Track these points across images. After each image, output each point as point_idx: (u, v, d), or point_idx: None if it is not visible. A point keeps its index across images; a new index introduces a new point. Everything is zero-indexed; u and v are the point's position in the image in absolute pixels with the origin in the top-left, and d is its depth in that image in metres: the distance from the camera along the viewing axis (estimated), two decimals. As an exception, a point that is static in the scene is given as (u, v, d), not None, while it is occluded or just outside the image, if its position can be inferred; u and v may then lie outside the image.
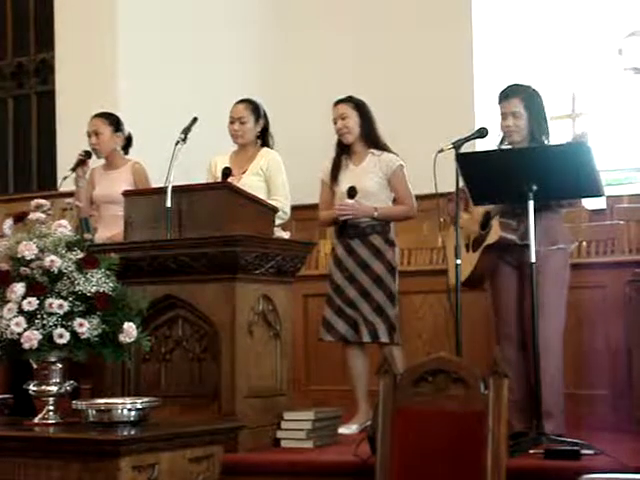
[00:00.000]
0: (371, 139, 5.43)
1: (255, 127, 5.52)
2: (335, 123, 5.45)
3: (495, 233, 4.65)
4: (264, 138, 5.57)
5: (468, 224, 4.80)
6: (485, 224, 4.74)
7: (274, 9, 9.52)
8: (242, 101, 5.58)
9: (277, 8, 9.52)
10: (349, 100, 5.47)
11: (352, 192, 5.28)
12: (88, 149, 5.86)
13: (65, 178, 5.86)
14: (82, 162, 5.82)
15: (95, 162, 6.00)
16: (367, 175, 5.36)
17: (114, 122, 5.87)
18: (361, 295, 5.27)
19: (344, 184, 5.36)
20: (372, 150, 5.41)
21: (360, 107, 5.44)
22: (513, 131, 4.72)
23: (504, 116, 4.74)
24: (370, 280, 5.27)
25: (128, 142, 5.95)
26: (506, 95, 4.76)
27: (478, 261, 4.71)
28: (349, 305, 5.29)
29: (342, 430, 5.04)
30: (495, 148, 4.89)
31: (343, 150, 5.49)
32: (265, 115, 5.56)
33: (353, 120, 5.41)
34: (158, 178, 5.12)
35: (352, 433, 5.10)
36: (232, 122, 5.52)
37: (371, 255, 5.29)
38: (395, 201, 5.42)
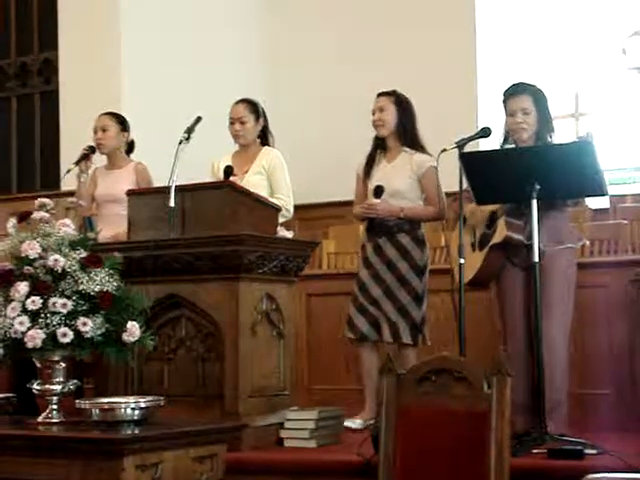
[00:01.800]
0: (407, 137, 5.35)
1: (255, 126, 5.52)
2: (373, 114, 5.40)
3: (501, 232, 4.64)
4: (264, 137, 5.57)
5: (474, 213, 4.77)
6: (491, 223, 4.74)
7: (275, 9, 9.53)
8: (241, 101, 5.58)
9: (278, 8, 9.52)
10: (391, 94, 5.41)
11: (378, 191, 5.24)
12: (92, 144, 5.87)
13: (68, 171, 5.87)
14: (86, 156, 5.83)
15: (98, 161, 6.00)
16: (398, 173, 5.32)
17: (121, 121, 5.89)
18: (385, 294, 5.24)
19: (375, 180, 5.33)
20: (405, 148, 5.36)
21: (401, 103, 5.38)
22: (522, 128, 4.68)
23: (513, 113, 4.70)
24: (395, 279, 5.24)
25: (130, 147, 5.95)
26: (515, 92, 4.73)
27: (484, 261, 4.70)
28: (372, 303, 5.26)
29: (347, 423, 5.04)
30: (498, 148, 4.88)
31: (379, 145, 5.44)
32: (264, 114, 5.56)
33: (391, 114, 5.35)
34: (161, 178, 5.13)
35: (356, 427, 5.10)
36: (232, 123, 5.52)
37: (398, 254, 5.26)
38: (425, 201, 5.37)
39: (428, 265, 5.37)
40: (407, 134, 5.36)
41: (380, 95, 5.43)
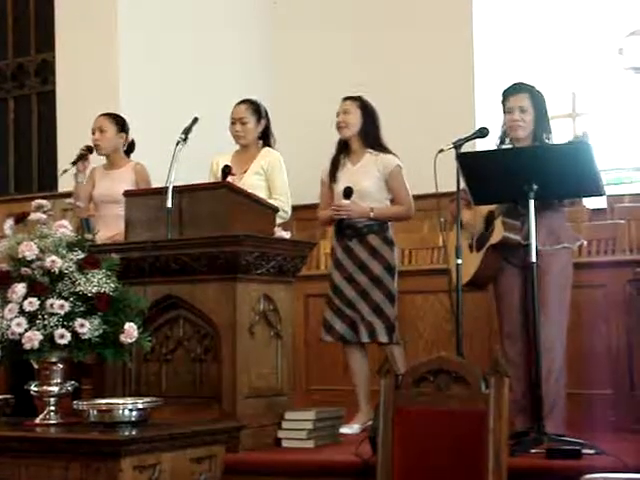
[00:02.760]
0: (370, 139, 5.41)
1: (256, 127, 5.51)
2: (337, 116, 5.44)
3: (498, 233, 4.64)
4: (266, 138, 5.57)
5: (472, 221, 4.79)
6: (489, 224, 4.74)
7: (275, 9, 9.53)
8: (243, 102, 5.57)
9: (278, 8, 9.52)
10: (356, 98, 5.46)
11: (348, 192, 5.28)
12: (90, 144, 5.86)
13: (65, 171, 5.82)
14: (83, 156, 5.82)
15: (95, 161, 5.99)
16: (364, 175, 5.36)
17: (119, 122, 5.87)
18: (359, 295, 5.27)
19: (342, 183, 5.36)
20: (370, 150, 5.41)
21: (365, 107, 5.43)
22: (520, 125, 4.69)
23: (510, 110, 4.70)
24: (368, 280, 5.27)
25: (130, 147, 5.95)
26: (514, 90, 4.74)
27: (482, 261, 4.70)
28: (348, 305, 5.29)
29: (344, 430, 5.04)
30: (495, 148, 4.88)
31: (342, 149, 5.49)
32: (267, 115, 5.56)
33: (355, 117, 5.40)
34: (160, 178, 5.12)
35: (354, 433, 5.09)
36: (233, 123, 5.52)
37: (369, 255, 5.29)
38: (393, 201, 5.41)
39: (397, 265, 5.40)
40: (370, 136, 5.41)
41: (346, 99, 5.49)
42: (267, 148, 5.53)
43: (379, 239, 5.32)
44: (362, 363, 5.35)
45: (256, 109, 5.53)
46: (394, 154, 5.40)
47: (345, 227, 5.32)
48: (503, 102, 4.79)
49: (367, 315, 5.24)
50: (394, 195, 5.39)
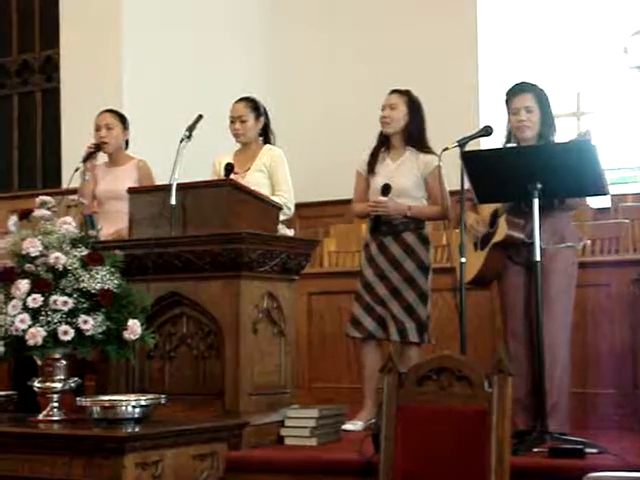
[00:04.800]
0: (414, 137, 5.30)
1: (256, 125, 5.51)
2: (382, 110, 5.33)
3: (502, 231, 4.64)
4: (266, 135, 5.56)
5: (475, 224, 4.78)
6: (493, 222, 4.73)
7: (276, 8, 9.53)
8: (241, 100, 5.57)
9: (279, 7, 9.52)
10: (404, 93, 5.35)
11: (386, 189, 5.19)
12: (97, 142, 5.85)
13: (77, 170, 5.80)
14: (92, 154, 5.81)
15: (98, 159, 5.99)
16: (403, 173, 5.27)
17: (124, 120, 5.87)
18: (391, 293, 5.20)
19: (379, 178, 5.27)
20: (411, 148, 5.31)
21: (413, 103, 5.31)
22: (526, 126, 4.67)
23: (516, 111, 4.69)
24: (401, 278, 5.19)
25: (125, 144, 5.94)
26: (518, 90, 4.72)
27: (486, 259, 4.70)
28: (378, 303, 5.23)
29: (347, 426, 5.02)
30: (500, 146, 4.87)
31: (383, 143, 5.39)
32: (266, 112, 5.55)
33: (401, 112, 5.28)
34: (162, 176, 5.12)
35: (357, 430, 5.08)
36: (232, 121, 5.51)
37: (403, 253, 5.22)
38: (429, 200, 5.32)
39: (431, 264, 5.35)
40: (415, 135, 5.30)
41: (393, 92, 5.37)
42: (268, 145, 5.53)
43: (415, 237, 5.24)
44: (376, 360, 5.23)
45: (255, 107, 5.52)
46: (435, 153, 5.24)
47: (381, 223, 5.27)
48: (507, 102, 4.77)
49: (398, 314, 5.17)
50: (431, 195, 5.29)
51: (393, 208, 5.20)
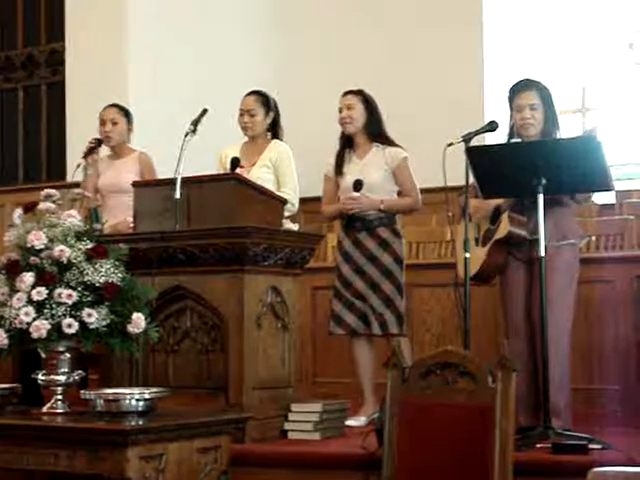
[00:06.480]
0: (375, 133, 5.40)
1: (265, 119, 5.51)
2: (340, 112, 5.43)
3: (504, 228, 4.63)
4: (275, 130, 5.56)
5: (477, 207, 4.76)
6: (495, 219, 4.73)
7: (282, 5, 9.52)
8: (252, 93, 5.56)
9: (285, 5, 9.51)
10: (358, 92, 5.46)
11: (358, 185, 5.27)
12: (98, 137, 5.86)
13: (79, 166, 5.83)
14: (93, 149, 5.82)
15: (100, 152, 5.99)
16: (372, 168, 5.35)
17: (128, 114, 5.88)
18: (370, 288, 5.27)
19: (349, 177, 5.35)
20: (376, 143, 5.40)
21: (368, 101, 5.43)
22: (530, 124, 4.67)
23: (520, 108, 4.68)
24: (379, 272, 5.27)
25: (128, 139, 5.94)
26: (523, 87, 4.72)
27: (487, 256, 4.70)
28: (358, 298, 5.29)
29: (350, 422, 5.04)
30: (505, 142, 4.86)
31: (347, 144, 5.47)
32: (276, 107, 5.55)
33: (358, 111, 5.39)
34: (167, 170, 5.12)
35: (360, 425, 5.09)
36: (242, 114, 5.52)
37: (379, 247, 5.29)
38: (400, 193, 5.41)
39: (404, 257, 5.40)
40: (375, 129, 5.40)
41: (347, 93, 5.47)
42: (276, 140, 5.52)
43: (389, 231, 5.31)
44: (369, 355, 5.34)
45: (265, 101, 5.52)
46: (399, 146, 5.40)
47: (355, 220, 5.31)
48: (510, 99, 4.76)
49: (378, 307, 5.24)
50: (401, 187, 5.39)
51: (367, 203, 5.26)
